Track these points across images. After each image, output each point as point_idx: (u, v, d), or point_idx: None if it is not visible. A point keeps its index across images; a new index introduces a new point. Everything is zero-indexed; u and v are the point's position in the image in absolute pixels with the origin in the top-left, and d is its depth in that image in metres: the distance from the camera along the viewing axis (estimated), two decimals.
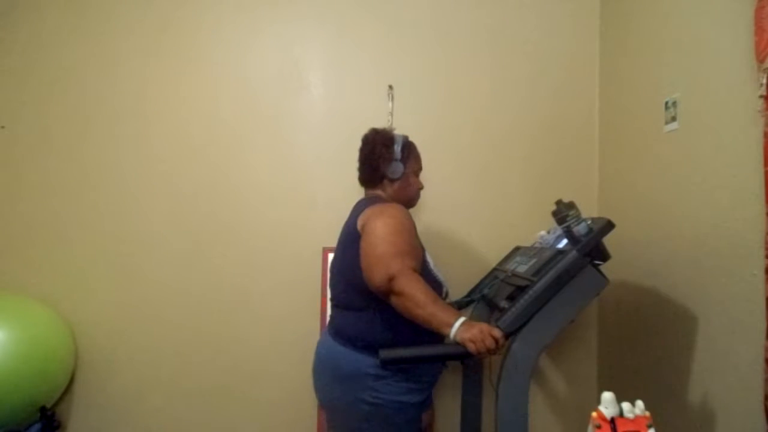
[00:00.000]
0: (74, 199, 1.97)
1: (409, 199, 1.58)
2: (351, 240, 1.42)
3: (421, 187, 1.62)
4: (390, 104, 1.99)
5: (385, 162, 1.51)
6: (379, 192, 1.55)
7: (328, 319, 1.65)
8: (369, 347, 1.35)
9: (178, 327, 1.96)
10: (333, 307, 1.54)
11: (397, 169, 1.52)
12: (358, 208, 1.48)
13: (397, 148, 1.52)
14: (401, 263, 1.26)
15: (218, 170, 1.99)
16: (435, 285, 1.40)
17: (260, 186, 1.99)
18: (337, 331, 1.46)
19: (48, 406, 1.79)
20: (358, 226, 1.41)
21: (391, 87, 2.00)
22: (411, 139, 1.61)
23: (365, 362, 1.35)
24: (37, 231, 1.96)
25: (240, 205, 1.98)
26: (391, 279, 1.25)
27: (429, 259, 1.48)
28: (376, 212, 1.39)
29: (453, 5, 2.04)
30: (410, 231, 1.38)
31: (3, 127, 1.98)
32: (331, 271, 1.55)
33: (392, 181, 1.54)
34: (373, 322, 1.37)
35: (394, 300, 1.27)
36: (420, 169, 1.62)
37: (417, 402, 1.41)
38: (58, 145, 1.98)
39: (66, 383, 1.89)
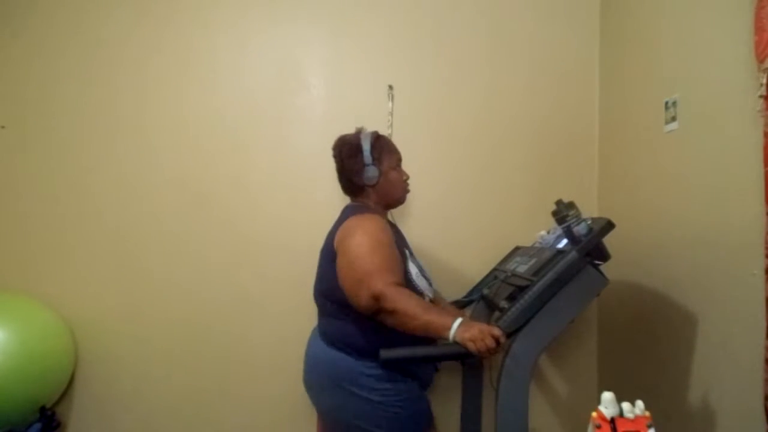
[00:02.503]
0: (74, 199, 1.97)
1: (396, 198, 1.55)
2: (328, 255, 1.41)
3: (407, 178, 1.57)
4: (390, 104, 1.99)
5: (357, 172, 1.47)
6: (363, 199, 1.52)
7: None
8: (363, 352, 1.35)
9: (178, 326, 1.96)
10: (319, 311, 1.52)
11: (371, 174, 1.46)
12: (340, 219, 1.46)
13: (366, 153, 1.46)
14: (383, 280, 1.24)
15: (218, 170, 1.98)
16: (417, 293, 1.39)
17: (260, 186, 1.99)
18: (327, 335, 1.44)
19: (48, 406, 1.79)
20: (335, 244, 1.39)
21: (391, 87, 2.00)
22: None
23: (363, 365, 1.35)
24: (37, 231, 1.96)
25: (240, 205, 1.98)
26: (377, 299, 1.23)
27: (411, 268, 1.44)
28: (349, 231, 1.37)
29: (453, 5, 2.04)
30: (386, 244, 1.35)
31: (3, 127, 1.98)
32: (316, 277, 1.52)
33: (373, 186, 1.49)
34: (362, 328, 1.36)
35: (386, 318, 1.26)
36: (399, 160, 1.55)
37: (418, 388, 1.43)
38: (59, 144, 1.98)
39: (66, 383, 1.89)
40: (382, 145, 1.51)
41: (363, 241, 1.32)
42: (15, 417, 1.67)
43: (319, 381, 1.44)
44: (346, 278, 1.32)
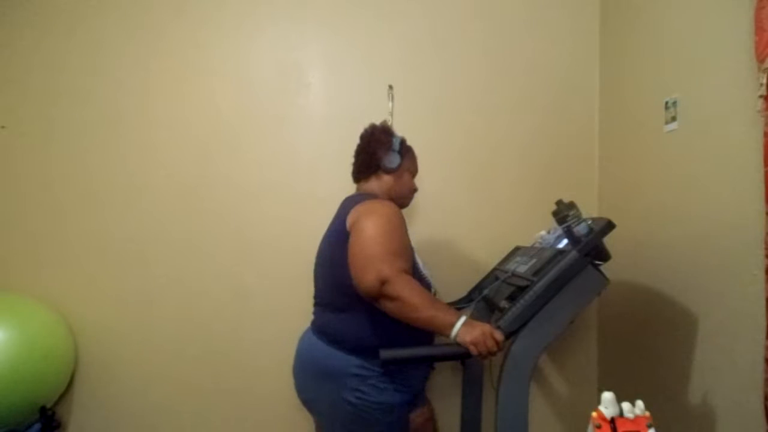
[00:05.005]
0: (74, 199, 1.97)
1: (402, 197, 1.55)
2: (339, 239, 1.36)
3: (415, 189, 1.60)
4: (390, 104, 1.99)
5: (383, 149, 1.49)
6: (371, 185, 1.52)
7: None
8: (355, 348, 1.33)
9: (178, 326, 1.96)
10: (316, 305, 1.51)
11: (393, 159, 1.49)
12: (348, 205, 1.42)
13: (396, 141, 1.51)
14: (392, 266, 1.21)
15: (219, 170, 1.99)
16: (424, 286, 1.37)
17: (260, 185, 1.99)
18: (320, 330, 1.43)
19: (48, 406, 1.79)
20: (348, 225, 1.36)
21: (391, 87, 2.00)
22: (411, 139, 1.61)
23: (349, 362, 1.33)
24: (37, 231, 1.96)
25: (240, 204, 1.98)
26: (382, 283, 1.20)
27: (418, 259, 1.45)
28: (366, 211, 1.34)
29: (453, 5, 2.04)
30: (401, 230, 1.34)
31: (3, 127, 1.98)
32: (316, 269, 1.51)
33: (387, 173, 1.50)
34: (359, 323, 1.34)
35: (387, 304, 1.22)
36: (416, 171, 1.60)
37: (402, 402, 1.38)
38: (59, 144, 1.98)
39: (66, 383, 1.89)
40: (407, 148, 1.58)
41: (378, 223, 1.29)
42: (15, 417, 1.68)
43: (303, 370, 1.45)
44: (355, 257, 1.27)
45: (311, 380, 1.42)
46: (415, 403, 1.47)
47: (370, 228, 1.29)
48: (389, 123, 1.97)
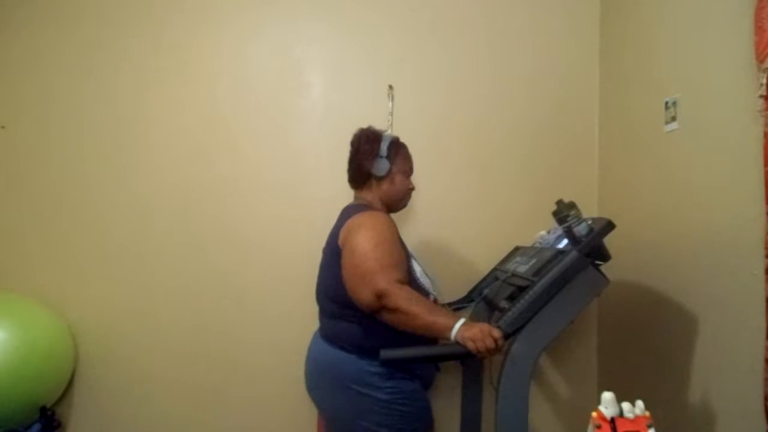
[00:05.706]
0: (74, 199, 1.97)
1: (396, 200, 1.55)
2: (333, 254, 1.40)
3: (412, 188, 1.58)
4: (390, 104, 1.99)
5: (369, 158, 1.48)
6: (365, 194, 1.52)
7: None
8: (368, 352, 1.34)
9: (178, 326, 1.96)
10: (321, 313, 1.52)
11: (382, 166, 1.47)
12: (342, 218, 1.46)
13: (384, 146, 1.48)
14: (387, 278, 1.24)
15: (218, 170, 1.98)
16: (421, 294, 1.39)
17: (260, 185, 1.99)
18: (330, 337, 1.44)
19: (48, 406, 1.79)
20: (339, 241, 1.39)
21: (391, 87, 2.00)
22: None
23: (368, 364, 1.35)
24: (37, 231, 1.96)
25: (240, 205, 1.98)
26: (379, 296, 1.23)
27: (416, 266, 1.46)
28: (355, 226, 1.37)
29: (453, 5, 2.04)
30: (392, 241, 1.36)
31: (3, 127, 1.98)
32: (318, 278, 1.53)
33: (378, 180, 1.50)
34: (366, 329, 1.36)
35: (387, 316, 1.26)
36: (410, 170, 1.58)
37: (424, 391, 1.46)
38: (58, 145, 1.97)
39: (66, 383, 1.89)
40: (399, 147, 1.55)
41: (367, 237, 1.32)
42: (15, 417, 1.67)
43: (323, 382, 1.44)
44: (349, 275, 1.32)
45: (332, 388, 1.41)
46: (427, 389, 1.53)
47: (360, 244, 1.31)
48: (389, 123, 1.97)
